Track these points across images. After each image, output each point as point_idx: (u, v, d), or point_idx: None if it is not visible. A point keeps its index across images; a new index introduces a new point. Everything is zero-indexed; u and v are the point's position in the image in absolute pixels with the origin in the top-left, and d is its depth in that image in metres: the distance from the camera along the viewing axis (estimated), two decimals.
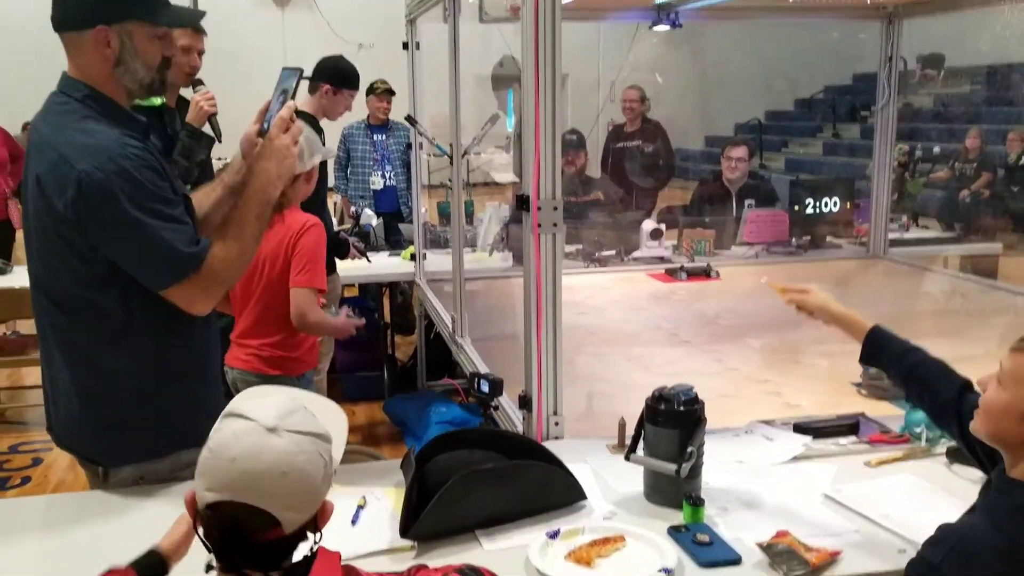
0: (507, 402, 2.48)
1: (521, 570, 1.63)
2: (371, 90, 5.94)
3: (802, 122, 14.08)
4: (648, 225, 4.73)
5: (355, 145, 6.00)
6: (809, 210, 4.83)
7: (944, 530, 1.41)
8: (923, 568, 1.38)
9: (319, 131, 3.55)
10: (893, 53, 4.44)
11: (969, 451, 1.58)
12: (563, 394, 2.23)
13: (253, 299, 2.68)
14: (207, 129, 3.12)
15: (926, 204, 8.91)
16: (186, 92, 3.22)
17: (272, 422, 1.19)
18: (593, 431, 2.29)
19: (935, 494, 1.91)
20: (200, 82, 3.13)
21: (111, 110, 1.81)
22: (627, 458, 1.93)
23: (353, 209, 5.66)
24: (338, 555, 1.25)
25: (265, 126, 1.94)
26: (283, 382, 2.67)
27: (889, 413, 2.40)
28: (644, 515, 1.85)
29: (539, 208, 2.10)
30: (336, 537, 1.72)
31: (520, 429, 2.30)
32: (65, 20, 1.79)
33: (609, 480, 1.99)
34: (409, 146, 5.21)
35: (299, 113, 1.98)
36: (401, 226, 5.47)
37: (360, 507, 1.87)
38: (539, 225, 2.11)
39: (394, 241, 5.38)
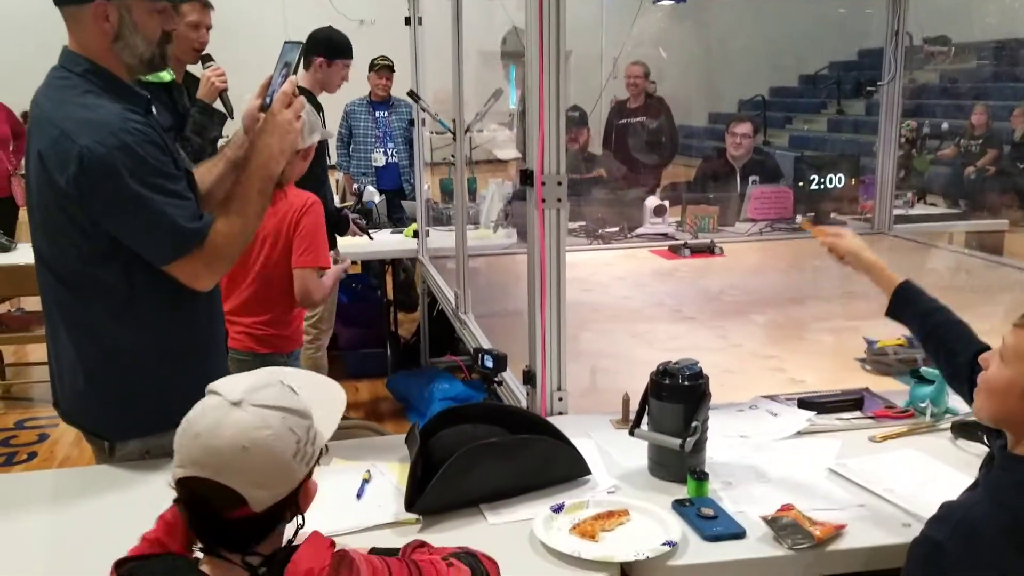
0: (511, 378, 2.49)
1: (526, 544, 1.64)
2: (371, 67, 5.91)
3: (806, 98, 13.99)
4: (651, 202, 4.71)
5: (357, 122, 5.98)
6: (814, 186, 4.81)
7: (947, 507, 1.41)
8: (927, 546, 1.38)
9: (318, 107, 3.53)
10: (900, 28, 4.39)
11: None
12: (567, 370, 2.23)
13: (250, 277, 2.68)
14: (218, 105, 3.10)
15: (932, 181, 8.87)
16: (192, 68, 3.20)
17: (238, 396, 1.16)
18: (596, 407, 2.29)
19: (939, 469, 1.91)
20: (209, 58, 3.10)
21: (112, 84, 1.80)
22: (631, 433, 1.93)
23: (356, 186, 5.65)
24: (328, 541, 1.22)
25: (267, 101, 1.92)
26: (274, 360, 2.69)
27: (893, 388, 2.40)
28: (648, 489, 1.85)
29: (543, 183, 2.09)
30: (342, 510, 1.75)
31: (524, 404, 2.30)
32: None
33: (613, 454, 2.00)
34: (411, 123, 5.19)
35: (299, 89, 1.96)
36: (403, 203, 5.46)
37: (365, 481, 1.87)
38: (543, 200, 2.10)
39: (397, 218, 5.37)
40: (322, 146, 3.36)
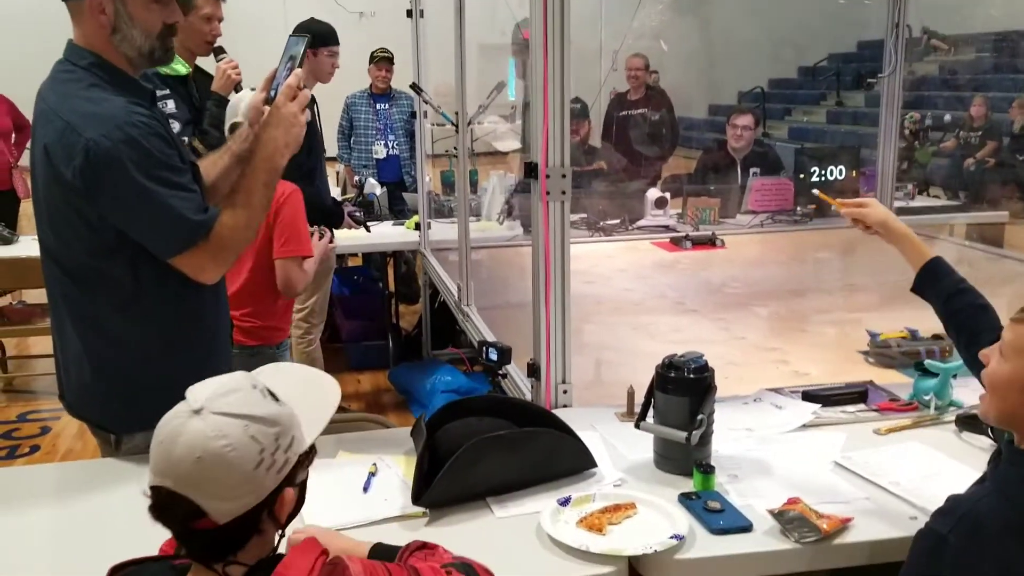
0: (514, 370, 2.49)
1: (533, 537, 1.64)
2: (371, 59, 5.91)
3: (806, 90, 13.98)
4: (652, 194, 4.71)
5: (358, 114, 5.98)
6: (815, 178, 4.80)
7: (953, 500, 1.41)
8: (932, 538, 1.38)
9: (312, 100, 3.51)
10: (900, 19, 4.38)
11: None
12: (571, 362, 2.23)
13: (244, 271, 2.69)
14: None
15: (934, 173, 8.87)
16: (201, 62, 3.20)
17: (200, 403, 1.11)
18: (601, 399, 2.29)
19: (944, 462, 1.91)
20: (222, 50, 3.10)
21: (116, 78, 1.80)
22: (637, 426, 1.93)
23: (357, 179, 5.64)
24: (320, 549, 1.18)
25: (272, 94, 1.92)
26: (262, 353, 2.69)
27: (897, 381, 2.41)
28: (654, 482, 1.85)
29: (547, 176, 2.09)
30: (348, 504, 1.75)
31: (528, 397, 2.30)
32: None
33: (619, 447, 2.00)
34: (412, 115, 5.19)
35: None
36: (405, 195, 5.46)
37: (371, 474, 1.87)
38: (547, 193, 2.10)
39: (398, 211, 5.37)
40: (314, 138, 3.35)
